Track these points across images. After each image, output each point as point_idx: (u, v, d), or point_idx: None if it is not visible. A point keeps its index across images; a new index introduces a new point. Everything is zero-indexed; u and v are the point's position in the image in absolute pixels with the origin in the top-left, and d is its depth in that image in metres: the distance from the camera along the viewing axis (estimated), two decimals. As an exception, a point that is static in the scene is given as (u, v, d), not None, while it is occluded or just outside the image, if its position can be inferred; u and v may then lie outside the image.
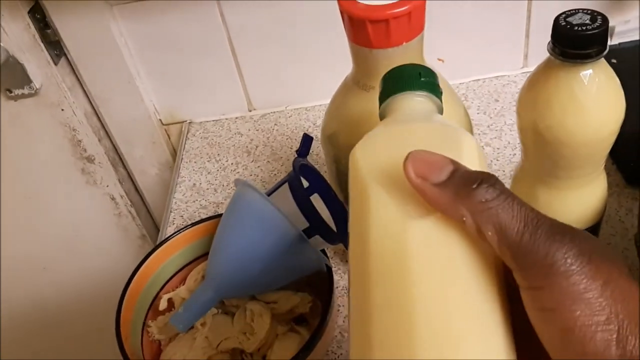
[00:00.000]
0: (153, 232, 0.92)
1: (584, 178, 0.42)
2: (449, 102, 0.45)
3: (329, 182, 0.50)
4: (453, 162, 0.24)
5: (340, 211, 0.47)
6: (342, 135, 0.45)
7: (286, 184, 0.45)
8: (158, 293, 0.50)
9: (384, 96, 0.33)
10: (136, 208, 0.87)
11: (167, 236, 0.50)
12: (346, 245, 0.46)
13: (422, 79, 0.31)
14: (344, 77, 0.50)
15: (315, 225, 0.43)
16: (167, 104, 0.78)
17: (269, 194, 0.46)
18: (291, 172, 0.46)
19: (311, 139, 0.47)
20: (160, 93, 0.76)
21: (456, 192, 0.23)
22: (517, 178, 0.47)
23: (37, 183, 0.82)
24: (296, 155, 0.47)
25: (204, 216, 0.65)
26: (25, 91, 0.70)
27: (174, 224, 0.65)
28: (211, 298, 0.44)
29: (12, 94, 0.71)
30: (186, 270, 0.52)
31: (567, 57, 0.38)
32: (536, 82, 0.40)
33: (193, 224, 0.51)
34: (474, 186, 0.23)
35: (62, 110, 0.73)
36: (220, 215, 0.52)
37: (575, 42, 0.37)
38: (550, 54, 0.39)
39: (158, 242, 0.63)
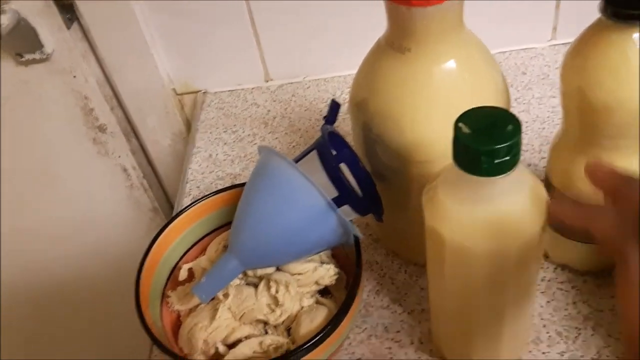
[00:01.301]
0: (165, 205, 0.90)
1: (631, 148, 0.39)
2: (487, 69, 0.43)
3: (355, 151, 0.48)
4: None
5: (367, 181, 0.45)
6: (374, 102, 0.43)
7: (314, 152, 0.43)
8: (177, 263, 0.49)
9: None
10: (148, 180, 0.86)
11: (184, 207, 0.49)
12: (376, 216, 0.45)
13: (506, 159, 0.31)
14: (367, 47, 0.47)
15: (345, 195, 0.41)
16: (181, 73, 0.76)
17: (296, 161, 0.44)
18: (319, 139, 0.44)
19: (339, 105, 0.45)
20: (175, 61, 0.74)
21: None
22: (557, 148, 0.44)
23: (48, 153, 0.80)
24: (324, 122, 0.45)
25: (220, 187, 0.63)
26: (37, 56, 0.68)
27: (190, 194, 0.64)
28: (235, 268, 0.42)
29: (23, 59, 0.68)
30: (206, 240, 0.50)
31: (620, 17, 0.36)
32: (584, 45, 0.38)
33: (214, 193, 0.50)
34: None
35: (74, 77, 0.71)
36: (241, 185, 0.50)
37: (629, 0, 0.35)
38: (602, 14, 0.36)
39: (175, 213, 0.61)
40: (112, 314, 1.01)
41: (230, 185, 0.51)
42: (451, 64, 0.41)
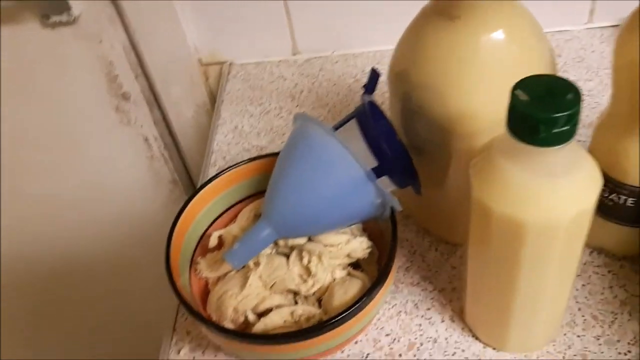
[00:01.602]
0: (184, 178, 0.90)
1: (685, 126, 0.38)
2: (536, 42, 0.42)
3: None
4: None
5: (403, 154, 0.44)
6: (416, 71, 0.42)
7: (353, 121, 0.42)
8: (206, 230, 0.48)
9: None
10: (169, 151, 0.85)
11: (211, 176, 0.48)
12: (415, 188, 0.44)
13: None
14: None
15: (385, 165, 0.40)
16: (208, 43, 0.75)
17: (334, 129, 0.42)
18: (359, 108, 0.42)
19: (379, 74, 0.44)
20: (202, 30, 0.73)
21: None
22: (602, 127, 0.43)
23: (70, 119, 0.79)
24: (363, 91, 0.44)
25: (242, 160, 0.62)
26: (64, 18, 0.67)
27: (215, 165, 0.63)
28: (268, 235, 0.42)
29: (50, 21, 0.67)
30: (236, 208, 0.49)
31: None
32: (643, 18, 0.36)
33: (246, 161, 0.49)
34: None
35: (100, 42, 0.70)
36: (272, 154, 0.49)
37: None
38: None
39: (200, 183, 0.61)
40: (128, 281, 1.01)
41: (261, 154, 0.50)
42: (500, 35, 0.39)
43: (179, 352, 0.46)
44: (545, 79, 0.32)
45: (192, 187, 0.92)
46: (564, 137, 0.30)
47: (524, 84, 0.31)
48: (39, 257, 0.98)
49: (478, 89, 0.40)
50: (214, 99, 0.80)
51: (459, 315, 0.46)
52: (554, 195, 0.33)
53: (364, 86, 0.43)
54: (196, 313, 0.39)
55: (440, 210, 0.49)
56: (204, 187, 0.47)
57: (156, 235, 0.95)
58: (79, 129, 0.81)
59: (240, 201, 0.50)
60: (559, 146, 0.30)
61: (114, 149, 0.83)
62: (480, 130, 0.41)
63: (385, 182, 0.42)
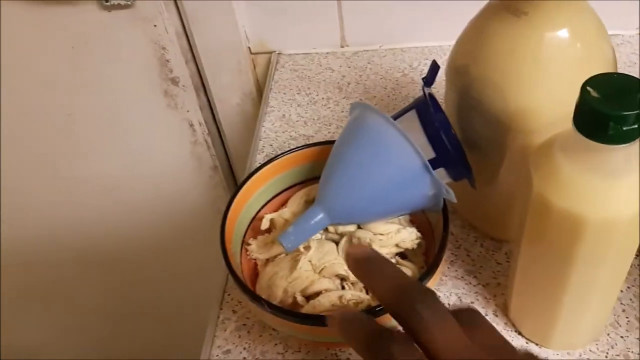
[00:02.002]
0: (225, 164, 0.91)
1: None
2: (600, 42, 0.42)
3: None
4: None
5: (458, 148, 0.45)
6: (477, 66, 0.42)
7: (411, 112, 0.43)
8: (257, 213, 0.49)
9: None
10: (212, 138, 0.86)
11: (256, 162, 0.48)
12: (470, 182, 0.44)
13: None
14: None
15: (443, 157, 0.41)
16: (258, 32, 0.76)
17: (393, 119, 0.43)
18: (419, 98, 0.43)
19: (438, 67, 0.44)
20: (253, 20, 0.74)
21: None
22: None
23: (119, 101, 0.81)
24: (423, 83, 0.44)
25: (293, 147, 0.63)
26: (122, 1, 0.68)
27: (263, 152, 0.64)
28: (321, 220, 0.42)
29: (108, 4, 0.69)
30: (286, 194, 0.50)
31: None
32: None
33: (300, 148, 0.50)
34: None
35: (155, 26, 0.72)
36: (323, 142, 0.50)
37: None
38: None
39: (248, 168, 0.62)
40: (167, 263, 1.03)
41: (312, 142, 0.51)
42: (564, 33, 0.40)
43: (225, 330, 0.48)
44: (616, 77, 0.32)
45: (231, 174, 0.94)
46: (632, 136, 0.30)
47: (594, 81, 0.31)
48: (81, 238, 1.01)
49: (540, 86, 0.40)
50: (259, 88, 0.81)
51: (503, 310, 0.46)
52: (615, 194, 0.33)
53: (424, 78, 0.44)
54: (250, 291, 0.40)
55: (489, 207, 0.49)
56: (258, 170, 0.48)
57: (195, 220, 0.97)
58: (127, 111, 0.83)
59: (290, 187, 0.51)
60: (625, 144, 0.31)
61: (159, 132, 0.85)
62: (538, 128, 0.41)
63: (440, 174, 0.42)
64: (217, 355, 0.46)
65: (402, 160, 0.40)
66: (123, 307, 1.14)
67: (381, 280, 0.29)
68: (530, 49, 0.40)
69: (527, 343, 0.44)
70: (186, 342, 1.14)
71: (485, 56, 0.42)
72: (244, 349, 0.46)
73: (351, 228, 0.46)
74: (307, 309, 0.43)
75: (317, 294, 0.44)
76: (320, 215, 0.43)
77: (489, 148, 0.45)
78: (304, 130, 0.66)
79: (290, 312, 0.40)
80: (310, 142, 0.64)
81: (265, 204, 0.50)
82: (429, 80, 0.44)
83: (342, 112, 0.67)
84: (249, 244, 0.47)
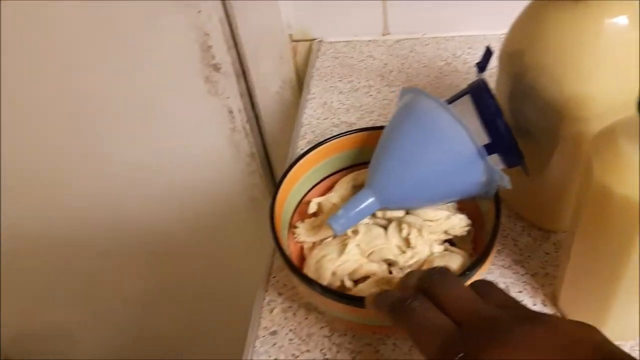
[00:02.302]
0: (262, 152, 0.92)
1: None
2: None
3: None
4: None
5: (510, 135, 0.44)
6: (532, 52, 0.42)
7: (466, 96, 0.42)
8: (304, 197, 0.49)
9: None
10: (250, 125, 0.87)
11: (298, 149, 0.48)
12: (523, 169, 0.44)
13: None
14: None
15: (497, 143, 0.41)
16: (301, 20, 0.76)
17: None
18: (473, 84, 0.43)
19: (492, 53, 0.44)
20: (296, 7, 0.74)
21: None
22: None
23: (160, 86, 0.82)
24: (476, 69, 0.44)
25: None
26: (167, -12, 0.69)
27: (305, 138, 0.64)
28: (372, 204, 0.43)
29: (153, -10, 0.70)
30: (332, 178, 0.51)
31: None
32: None
33: (347, 133, 0.50)
34: None
35: (199, 12, 0.72)
36: (370, 128, 0.50)
37: None
38: None
39: (290, 154, 0.62)
40: (205, 248, 1.04)
41: (360, 128, 0.51)
42: (623, 20, 0.39)
43: (271, 312, 0.48)
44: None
45: (267, 163, 0.94)
46: (701, 122, 0.30)
47: (663, 66, 0.31)
48: (119, 224, 1.02)
49: (597, 73, 0.39)
50: (299, 76, 0.81)
51: (552, 300, 0.46)
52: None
53: (478, 63, 0.44)
54: (300, 271, 0.41)
55: (538, 196, 0.49)
56: (305, 154, 0.49)
57: (230, 207, 0.98)
58: (167, 97, 0.83)
59: (336, 172, 0.51)
60: (696, 131, 0.30)
61: (199, 118, 0.86)
62: (594, 115, 0.40)
63: (493, 160, 0.42)
64: (264, 336, 0.46)
65: (456, 146, 0.40)
66: (160, 292, 1.15)
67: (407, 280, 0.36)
68: (588, 35, 0.39)
69: (576, 333, 0.44)
70: (222, 328, 1.16)
71: (542, 42, 0.41)
72: (290, 330, 0.47)
73: (399, 213, 0.46)
74: (355, 292, 0.43)
75: (365, 278, 0.44)
76: (371, 199, 0.43)
77: (541, 136, 0.44)
78: (346, 118, 0.66)
79: (339, 293, 0.40)
80: (353, 129, 0.64)
81: (312, 188, 0.50)
82: (482, 65, 0.44)
83: (384, 100, 0.67)
84: (295, 227, 0.47)
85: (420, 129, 0.41)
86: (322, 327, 0.46)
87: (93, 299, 1.21)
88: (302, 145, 0.63)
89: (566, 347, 0.27)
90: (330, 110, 0.67)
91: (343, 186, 0.49)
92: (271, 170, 0.95)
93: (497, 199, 0.43)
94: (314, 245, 0.47)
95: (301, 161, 0.48)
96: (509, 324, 0.29)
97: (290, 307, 0.48)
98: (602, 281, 0.39)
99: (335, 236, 0.46)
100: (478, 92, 0.41)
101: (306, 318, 0.47)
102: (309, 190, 0.50)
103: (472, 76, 0.66)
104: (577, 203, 0.39)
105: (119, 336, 1.30)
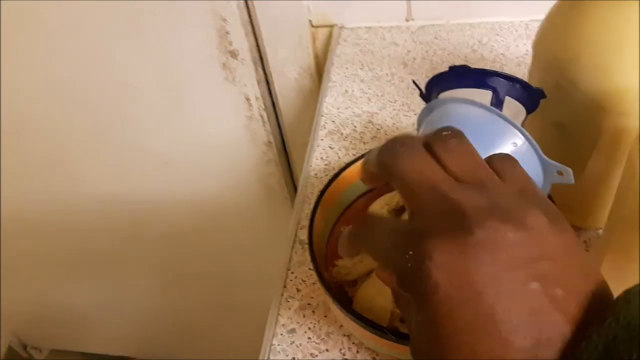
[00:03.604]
0: (278, 140, 0.90)
1: None
2: None
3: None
4: None
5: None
6: (569, 44, 0.39)
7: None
8: (335, 224, 0.47)
9: None
10: (267, 113, 0.85)
11: (319, 138, 0.46)
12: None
13: None
14: None
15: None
16: (321, 4, 0.74)
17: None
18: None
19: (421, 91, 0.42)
20: (316, -9, 0.72)
21: None
22: None
23: (177, 73, 0.81)
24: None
25: (357, 124, 0.61)
26: (185, -29, 0.67)
27: (325, 128, 0.62)
28: None
29: (171, -27, 0.68)
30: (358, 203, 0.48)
31: None
32: None
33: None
34: None
35: (217, -4, 0.70)
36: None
37: None
38: None
39: (310, 142, 0.60)
40: (220, 237, 1.03)
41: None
42: (669, 7, 0.36)
43: (289, 309, 0.47)
44: None
45: (284, 151, 0.92)
46: None
47: None
48: (136, 210, 1.02)
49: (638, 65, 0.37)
50: (318, 63, 0.79)
51: (583, 302, 0.44)
52: None
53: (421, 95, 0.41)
54: (318, 271, 0.39)
55: (572, 192, 0.46)
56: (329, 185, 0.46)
57: (246, 195, 0.96)
58: (184, 84, 0.82)
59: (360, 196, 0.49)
60: None
61: (215, 105, 0.84)
62: (636, 109, 0.38)
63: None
64: (282, 334, 0.45)
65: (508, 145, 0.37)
66: (177, 280, 1.15)
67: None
68: (630, 24, 0.36)
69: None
70: (239, 317, 1.15)
71: (580, 32, 0.39)
72: (309, 328, 0.45)
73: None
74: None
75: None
76: None
77: (578, 131, 0.42)
78: (368, 107, 0.64)
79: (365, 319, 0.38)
80: (374, 119, 0.62)
81: (341, 214, 0.48)
82: (426, 97, 0.42)
83: (408, 88, 0.65)
84: (335, 264, 0.45)
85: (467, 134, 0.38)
86: (341, 325, 0.45)
87: (109, 284, 1.21)
88: (322, 135, 0.61)
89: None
90: (352, 99, 0.65)
91: (377, 211, 0.46)
92: (287, 159, 0.94)
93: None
94: (357, 280, 0.45)
95: (329, 189, 0.46)
96: (485, 217, 0.21)
97: (309, 304, 0.47)
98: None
99: None
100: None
101: (325, 316, 0.46)
102: (340, 217, 0.48)
103: (498, 64, 0.64)
104: (617, 203, 0.37)
105: (137, 324, 1.30)
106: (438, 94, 0.43)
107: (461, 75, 0.42)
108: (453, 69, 0.42)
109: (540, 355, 0.20)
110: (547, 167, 0.36)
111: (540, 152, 0.36)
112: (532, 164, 0.36)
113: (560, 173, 0.36)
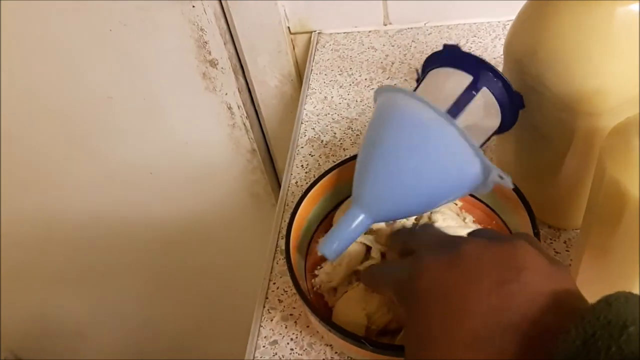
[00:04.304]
0: (263, 148, 0.90)
1: None
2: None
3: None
4: None
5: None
6: (539, 45, 0.39)
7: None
8: (313, 236, 0.47)
9: None
10: (250, 121, 0.85)
11: (299, 147, 0.45)
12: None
13: None
14: None
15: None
16: (298, 11, 0.73)
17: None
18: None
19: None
20: (293, -2, 0.72)
21: None
22: None
23: (157, 83, 0.80)
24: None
25: (336, 130, 0.61)
26: (160, -18, 0.67)
27: (305, 135, 0.62)
28: (362, 221, 0.39)
29: (146, -15, 0.68)
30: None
31: None
32: None
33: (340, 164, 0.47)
34: None
35: (193, 7, 0.70)
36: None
37: None
38: None
39: (290, 153, 0.60)
40: (206, 247, 1.03)
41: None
42: (635, 7, 0.36)
43: (271, 320, 0.46)
44: None
45: (269, 158, 0.92)
46: None
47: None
48: (119, 220, 1.01)
49: (610, 65, 0.37)
50: (299, 69, 0.79)
51: (564, 303, 0.44)
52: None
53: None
54: (308, 301, 0.38)
55: (549, 194, 0.47)
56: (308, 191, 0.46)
57: (232, 204, 0.96)
58: (165, 94, 0.82)
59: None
60: None
61: (197, 115, 0.84)
62: (607, 110, 0.38)
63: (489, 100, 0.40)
64: (264, 346, 0.45)
65: (450, 147, 0.37)
66: (166, 289, 1.15)
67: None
68: (599, 24, 0.37)
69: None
70: (227, 324, 1.15)
71: (549, 33, 0.39)
72: (291, 339, 0.45)
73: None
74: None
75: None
76: (361, 217, 0.39)
77: (552, 132, 0.42)
78: (347, 113, 0.63)
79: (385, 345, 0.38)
80: (354, 125, 0.62)
81: (318, 226, 0.47)
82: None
83: (387, 93, 0.65)
84: (315, 275, 0.45)
85: (407, 133, 0.38)
86: (323, 336, 0.44)
87: (99, 296, 1.21)
88: (302, 143, 0.61)
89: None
90: (331, 106, 0.65)
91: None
92: (273, 166, 0.93)
93: (532, 216, 0.40)
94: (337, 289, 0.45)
95: (304, 201, 0.45)
96: (461, 242, 0.29)
97: (291, 314, 0.47)
98: (617, 283, 0.37)
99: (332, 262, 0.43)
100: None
101: (307, 326, 0.46)
102: (319, 225, 0.47)
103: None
104: (590, 202, 0.37)
105: (128, 333, 1.30)
106: (429, 71, 0.43)
107: (453, 55, 0.42)
108: (446, 47, 0.43)
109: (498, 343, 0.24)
110: (489, 170, 0.36)
111: (484, 159, 0.36)
112: (475, 169, 0.36)
113: (500, 177, 0.36)
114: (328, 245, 0.39)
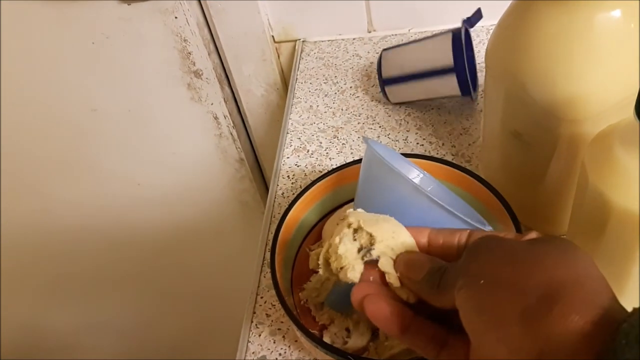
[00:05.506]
0: (251, 157, 0.89)
1: None
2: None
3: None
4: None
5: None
6: (520, 52, 0.39)
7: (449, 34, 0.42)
8: (300, 248, 0.46)
9: None
10: (237, 130, 0.84)
11: (285, 157, 0.45)
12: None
13: None
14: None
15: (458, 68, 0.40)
16: (281, 19, 0.73)
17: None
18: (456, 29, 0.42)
19: (482, 17, 0.43)
20: (276, 6, 0.71)
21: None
22: None
23: (142, 95, 0.80)
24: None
25: (322, 140, 0.61)
26: (141, -6, 0.67)
27: (291, 145, 0.62)
28: None
29: (127, -3, 0.67)
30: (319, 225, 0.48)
31: None
32: None
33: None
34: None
35: (176, 18, 0.70)
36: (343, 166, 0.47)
37: None
38: None
39: (276, 162, 0.60)
40: (192, 256, 1.02)
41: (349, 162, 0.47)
42: (616, 14, 0.36)
43: (259, 335, 0.46)
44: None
45: (257, 167, 0.92)
46: None
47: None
48: (107, 231, 1.00)
49: (591, 71, 0.37)
50: (284, 77, 0.79)
51: (552, 310, 0.44)
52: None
53: (467, 19, 0.43)
54: (295, 319, 0.38)
55: (535, 199, 0.46)
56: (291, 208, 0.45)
57: (221, 213, 0.96)
58: (150, 106, 0.81)
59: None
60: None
61: (184, 126, 0.83)
62: (589, 117, 0.38)
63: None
64: (252, 363, 0.44)
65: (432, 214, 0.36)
66: (157, 298, 1.14)
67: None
68: (579, 31, 0.36)
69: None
70: (218, 332, 1.14)
71: (530, 41, 0.38)
72: (280, 354, 0.44)
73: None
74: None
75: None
76: None
77: (536, 140, 0.42)
78: (333, 122, 0.63)
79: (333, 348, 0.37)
80: (340, 134, 0.62)
81: (305, 236, 0.47)
82: (471, 21, 0.43)
83: (372, 100, 0.64)
84: (302, 289, 0.44)
85: (393, 203, 0.37)
86: (310, 351, 0.44)
87: (91, 307, 1.20)
88: (288, 153, 0.61)
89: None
90: (316, 115, 0.65)
91: (331, 229, 0.45)
92: (262, 174, 0.93)
93: (516, 222, 0.40)
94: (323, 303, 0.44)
95: (288, 216, 0.45)
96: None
97: (279, 329, 0.46)
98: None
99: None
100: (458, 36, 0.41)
101: (296, 341, 0.45)
102: (306, 238, 0.47)
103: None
104: (574, 212, 0.37)
105: (119, 342, 1.29)
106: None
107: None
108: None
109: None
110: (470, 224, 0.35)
111: (469, 221, 0.35)
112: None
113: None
114: (334, 300, 0.41)
